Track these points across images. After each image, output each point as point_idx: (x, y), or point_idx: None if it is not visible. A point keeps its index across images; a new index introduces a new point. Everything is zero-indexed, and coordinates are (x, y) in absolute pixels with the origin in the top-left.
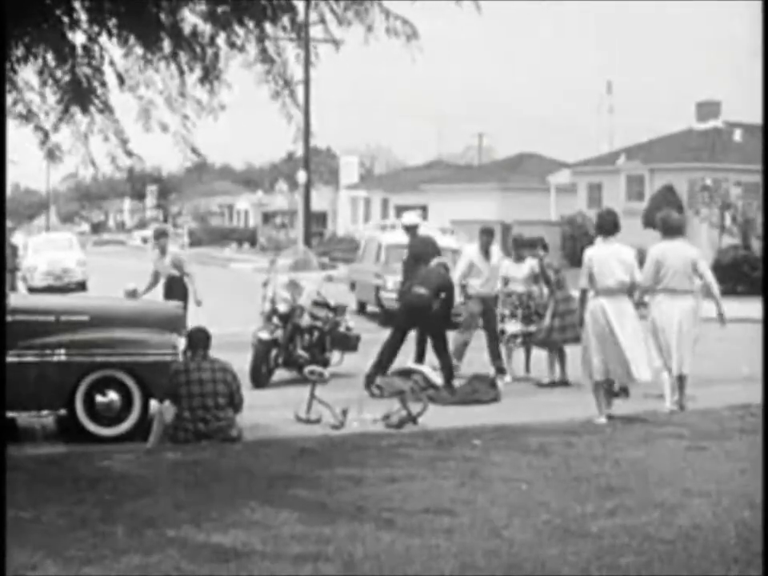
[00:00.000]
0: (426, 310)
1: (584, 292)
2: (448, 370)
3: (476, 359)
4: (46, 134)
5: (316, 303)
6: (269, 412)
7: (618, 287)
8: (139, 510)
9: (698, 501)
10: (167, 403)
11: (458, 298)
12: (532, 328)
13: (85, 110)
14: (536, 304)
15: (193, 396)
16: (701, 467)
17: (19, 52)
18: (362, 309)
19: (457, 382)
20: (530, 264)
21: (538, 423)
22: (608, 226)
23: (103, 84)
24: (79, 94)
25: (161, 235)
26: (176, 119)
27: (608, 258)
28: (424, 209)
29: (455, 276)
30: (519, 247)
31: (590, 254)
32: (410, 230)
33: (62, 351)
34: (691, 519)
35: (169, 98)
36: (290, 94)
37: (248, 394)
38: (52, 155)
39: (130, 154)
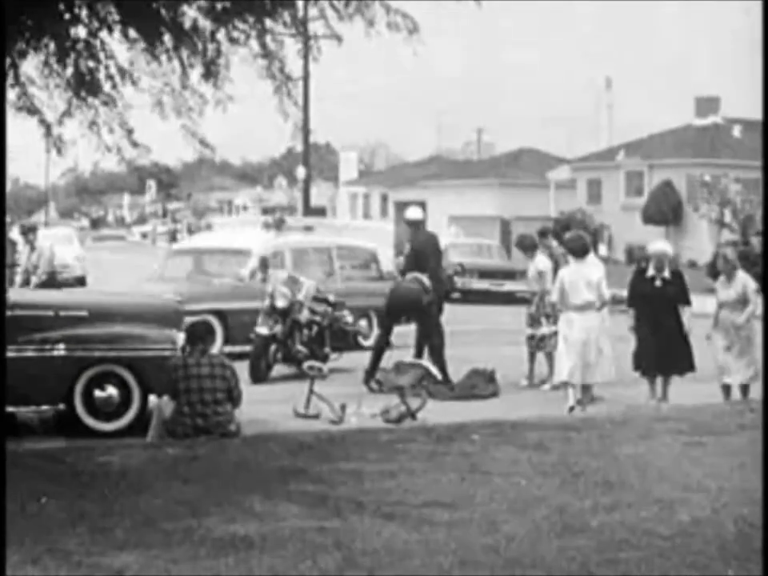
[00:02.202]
0: (416, 303)
1: (554, 306)
2: (440, 363)
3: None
4: (50, 127)
5: (315, 298)
6: (268, 407)
7: (584, 305)
8: (138, 505)
9: (697, 496)
10: (166, 398)
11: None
12: (537, 331)
13: (89, 103)
14: (544, 304)
15: (191, 391)
16: (700, 462)
17: (20, 46)
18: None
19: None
20: (538, 259)
21: (536, 418)
22: (578, 248)
23: (108, 77)
24: (83, 87)
25: (29, 231)
26: (181, 112)
27: (577, 279)
28: (423, 204)
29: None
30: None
31: (561, 274)
32: (414, 225)
33: (61, 346)
34: (690, 515)
35: (173, 91)
36: (287, 92)
37: (247, 389)
38: (57, 147)
39: (135, 144)
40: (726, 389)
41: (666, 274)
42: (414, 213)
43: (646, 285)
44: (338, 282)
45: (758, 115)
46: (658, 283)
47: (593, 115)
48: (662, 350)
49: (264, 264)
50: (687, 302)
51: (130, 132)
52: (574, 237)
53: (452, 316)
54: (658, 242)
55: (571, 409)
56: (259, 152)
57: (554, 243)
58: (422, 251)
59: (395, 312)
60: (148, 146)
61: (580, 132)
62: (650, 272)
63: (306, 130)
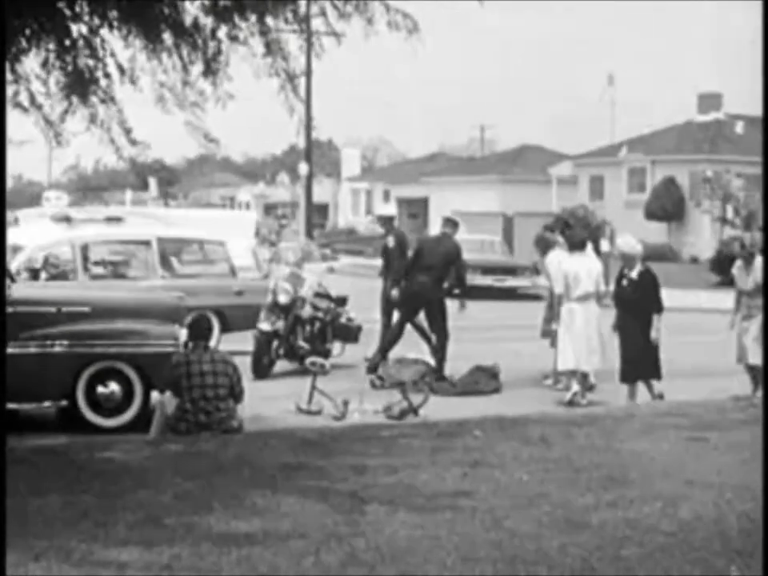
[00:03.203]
0: (427, 296)
1: (560, 296)
2: (441, 354)
3: None
4: (50, 124)
5: (317, 294)
6: (270, 403)
7: (585, 295)
8: (141, 501)
9: (699, 492)
10: (168, 394)
11: None
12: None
13: (87, 101)
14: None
15: (194, 388)
16: (702, 458)
17: (20, 44)
18: None
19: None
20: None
21: (539, 414)
22: (578, 242)
23: (106, 75)
24: (82, 85)
25: None
26: (184, 107)
27: (579, 271)
28: (426, 201)
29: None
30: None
31: (564, 266)
32: (386, 221)
33: (64, 342)
34: (693, 511)
35: (173, 88)
36: (292, 88)
37: (249, 385)
38: (57, 141)
39: (133, 142)
40: (751, 369)
41: (634, 274)
42: (387, 210)
43: (618, 284)
44: (155, 278)
45: (759, 111)
46: (624, 283)
47: (596, 111)
48: (626, 354)
49: (44, 260)
50: (655, 309)
51: (128, 131)
52: (576, 232)
53: (454, 312)
54: (624, 237)
55: (571, 401)
56: (261, 148)
57: (560, 239)
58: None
59: (408, 307)
60: (147, 143)
61: (583, 128)
62: (624, 270)
63: (308, 127)
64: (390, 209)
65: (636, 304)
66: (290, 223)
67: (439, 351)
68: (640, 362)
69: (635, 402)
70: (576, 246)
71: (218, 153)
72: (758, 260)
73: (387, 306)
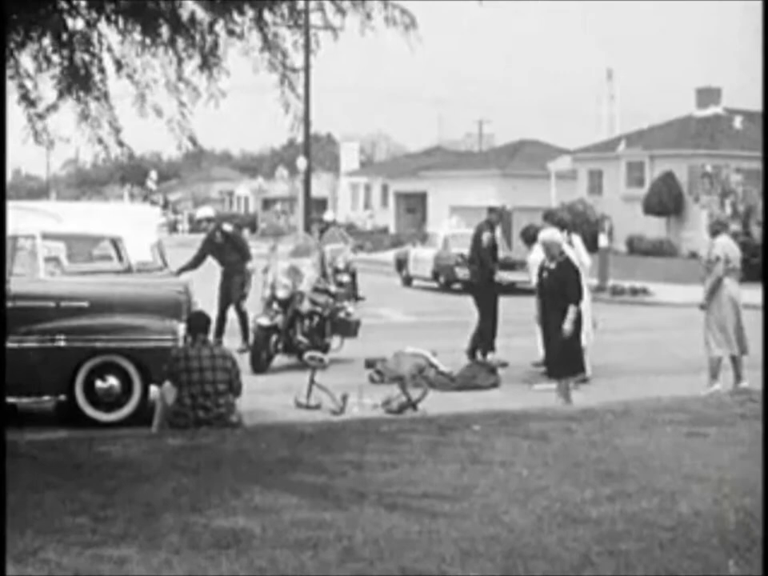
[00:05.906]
0: (471, 282)
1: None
2: (482, 341)
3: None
4: (41, 119)
5: (316, 289)
6: (269, 398)
7: None
8: (140, 496)
9: (698, 487)
10: (168, 383)
11: None
12: None
13: (81, 97)
14: None
15: (193, 383)
16: (701, 453)
17: (17, 37)
18: None
19: None
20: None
21: (537, 409)
22: (531, 238)
23: (101, 70)
24: (76, 80)
25: None
26: (173, 106)
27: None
28: (424, 195)
29: None
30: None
31: (536, 260)
32: (208, 222)
33: (62, 337)
34: (691, 506)
35: (167, 83)
36: (288, 84)
37: (248, 379)
38: (42, 140)
39: (121, 143)
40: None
41: (553, 265)
42: (203, 211)
43: (539, 276)
44: (39, 277)
45: (758, 106)
46: (544, 274)
47: (594, 106)
48: (548, 349)
49: None
50: (570, 299)
51: (117, 131)
52: (529, 227)
53: (453, 307)
54: (546, 229)
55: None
56: (260, 142)
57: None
58: (223, 244)
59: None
60: (131, 148)
61: (581, 123)
62: (545, 262)
63: (306, 121)
64: (207, 210)
65: (549, 295)
66: (288, 218)
67: (478, 337)
68: (563, 357)
69: (569, 400)
70: (529, 240)
71: (202, 150)
72: (721, 238)
73: (224, 297)
